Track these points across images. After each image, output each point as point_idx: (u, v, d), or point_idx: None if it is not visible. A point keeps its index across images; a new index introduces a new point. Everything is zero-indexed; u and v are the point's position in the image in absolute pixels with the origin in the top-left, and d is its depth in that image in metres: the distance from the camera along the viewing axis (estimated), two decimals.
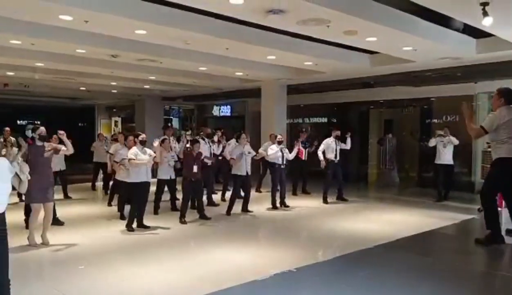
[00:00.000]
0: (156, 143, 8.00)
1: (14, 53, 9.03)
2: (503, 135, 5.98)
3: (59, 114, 21.10)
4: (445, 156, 9.96)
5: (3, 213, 3.59)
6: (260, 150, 9.89)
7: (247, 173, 8.74)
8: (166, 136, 9.43)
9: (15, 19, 6.67)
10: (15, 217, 6.93)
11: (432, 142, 10.13)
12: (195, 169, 7.93)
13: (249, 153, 8.93)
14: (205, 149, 9.68)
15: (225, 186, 10.57)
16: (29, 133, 6.55)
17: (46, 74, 11.95)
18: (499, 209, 7.04)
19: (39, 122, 7.52)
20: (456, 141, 9.98)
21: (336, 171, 10.12)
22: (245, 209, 8.92)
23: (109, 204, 9.56)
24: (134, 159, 7.14)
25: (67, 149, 6.72)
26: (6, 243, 3.65)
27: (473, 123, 6.42)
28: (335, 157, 10.02)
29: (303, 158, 11.05)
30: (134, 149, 7.31)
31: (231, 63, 10.31)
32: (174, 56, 9.37)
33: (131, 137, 8.03)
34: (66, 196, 10.44)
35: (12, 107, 20.23)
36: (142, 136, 7.49)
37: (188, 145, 8.57)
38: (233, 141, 10.54)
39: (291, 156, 9.67)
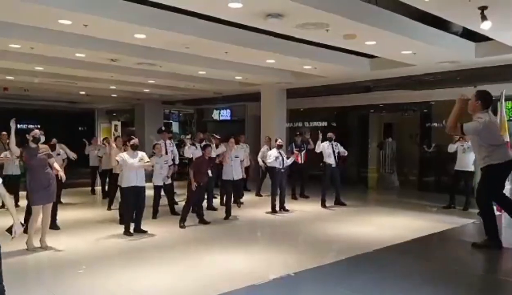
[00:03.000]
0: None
1: (14, 57, 9.04)
2: (489, 140, 6.02)
3: (59, 119, 21.08)
4: (464, 162, 9.60)
5: None
6: (259, 158, 9.85)
7: (233, 177, 8.83)
8: (159, 141, 9.32)
9: (15, 23, 6.67)
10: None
11: (452, 148, 9.85)
12: (209, 173, 8.01)
13: (236, 157, 8.93)
14: (197, 154, 9.69)
15: (223, 191, 10.54)
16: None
17: (45, 78, 11.96)
18: (498, 213, 7.03)
19: (39, 126, 7.57)
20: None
21: (333, 175, 10.09)
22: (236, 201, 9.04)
23: (109, 208, 9.53)
24: (117, 160, 7.20)
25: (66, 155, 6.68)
26: None
27: (457, 120, 6.21)
28: (332, 161, 10.00)
29: (300, 162, 11.03)
30: (124, 154, 7.34)
31: (230, 67, 10.32)
32: (173, 60, 9.38)
33: (120, 139, 8.03)
34: (58, 201, 10.30)
35: (12, 112, 20.19)
36: (134, 141, 7.46)
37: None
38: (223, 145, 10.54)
39: (288, 162, 9.63)
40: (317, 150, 10.17)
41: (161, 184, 8.67)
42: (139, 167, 7.21)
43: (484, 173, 6.24)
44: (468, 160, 9.59)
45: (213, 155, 10.17)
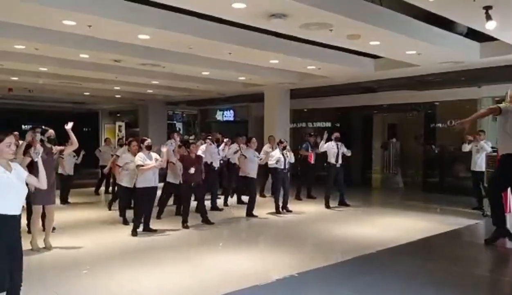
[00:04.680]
0: (164, 149, 7.78)
1: (18, 58, 9.08)
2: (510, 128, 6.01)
3: (63, 119, 21.11)
4: (476, 162, 9.51)
5: (20, 215, 3.63)
6: (262, 155, 9.87)
7: (254, 176, 8.85)
8: (178, 142, 9.43)
9: (19, 24, 6.69)
10: None
11: (465, 147, 9.75)
12: (192, 170, 7.81)
13: (256, 156, 9.00)
14: (215, 152, 9.75)
15: (227, 191, 10.54)
16: (38, 136, 6.60)
17: (50, 79, 12.01)
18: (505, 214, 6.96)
19: (43, 126, 7.64)
20: (488, 149, 9.26)
21: (337, 175, 10.07)
22: (249, 214, 8.90)
23: (109, 208, 9.55)
24: (142, 165, 7.10)
25: (72, 142, 6.51)
26: (21, 245, 3.68)
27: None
28: (336, 161, 9.98)
29: (312, 162, 11.00)
30: (141, 154, 7.28)
31: (234, 68, 10.32)
32: (177, 61, 9.39)
33: (134, 143, 8.01)
34: (66, 201, 10.37)
35: (16, 112, 20.31)
36: (148, 141, 7.45)
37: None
38: (234, 145, 10.51)
39: (292, 159, 9.62)
40: (321, 150, 10.16)
41: (176, 181, 8.65)
42: (156, 166, 7.20)
43: (499, 162, 6.22)
44: (481, 160, 9.49)
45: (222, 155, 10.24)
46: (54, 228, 7.36)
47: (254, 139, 9.23)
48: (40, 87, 14.03)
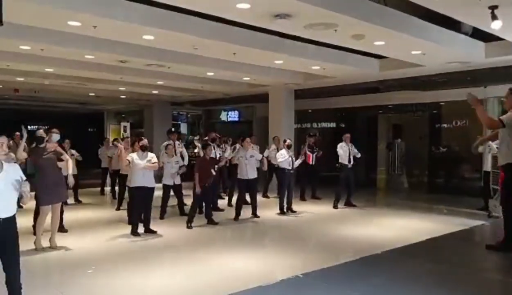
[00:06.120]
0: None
1: (24, 59, 9.13)
2: None
3: (69, 120, 21.29)
4: (487, 163, 9.55)
5: (14, 216, 3.60)
6: (265, 155, 9.84)
7: (250, 177, 8.71)
8: (170, 142, 9.45)
9: (25, 25, 6.74)
10: (22, 222, 6.93)
11: (480, 148, 9.43)
12: (213, 172, 7.94)
13: (251, 156, 8.85)
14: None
15: (231, 191, 10.53)
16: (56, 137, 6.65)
17: (55, 80, 12.07)
18: None
19: (47, 127, 7.67)
20: (494, 149, 9.02)
21: (349, 176, 10.06)
22: (254, 214, 8.88)
23: (118, 208, 9.58)
24: (128, 160, 7.22)
25: (67, 162, 6.51)
26: (17, 246, 3.66)
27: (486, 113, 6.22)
28: (349, 162, 9.97)
29: (311, 163, 10.97)
30: (133, 154, 7.36)
31: (238, 68, 10.32)
32: (182, 62, 9.41)
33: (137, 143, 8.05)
34: (77, 200, 10.51)
35: (22, 113, 20.43)
36: (143, 141, 7.47)
37: (197, 150, 8.64)
38: (237, 146, 10.47)
39: (296, 163, 9.57)
40: (340, 153, 10.05)
41: (171, 183, 8.71)
42: (144, 167, 7.18)
43: (505, 171, 6.14)
44: (489, 161, 9.43)
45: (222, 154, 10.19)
46: (66, 230, 7.41)
47: (248, 139, 9.07)
48: (45, 88, 14.11)
